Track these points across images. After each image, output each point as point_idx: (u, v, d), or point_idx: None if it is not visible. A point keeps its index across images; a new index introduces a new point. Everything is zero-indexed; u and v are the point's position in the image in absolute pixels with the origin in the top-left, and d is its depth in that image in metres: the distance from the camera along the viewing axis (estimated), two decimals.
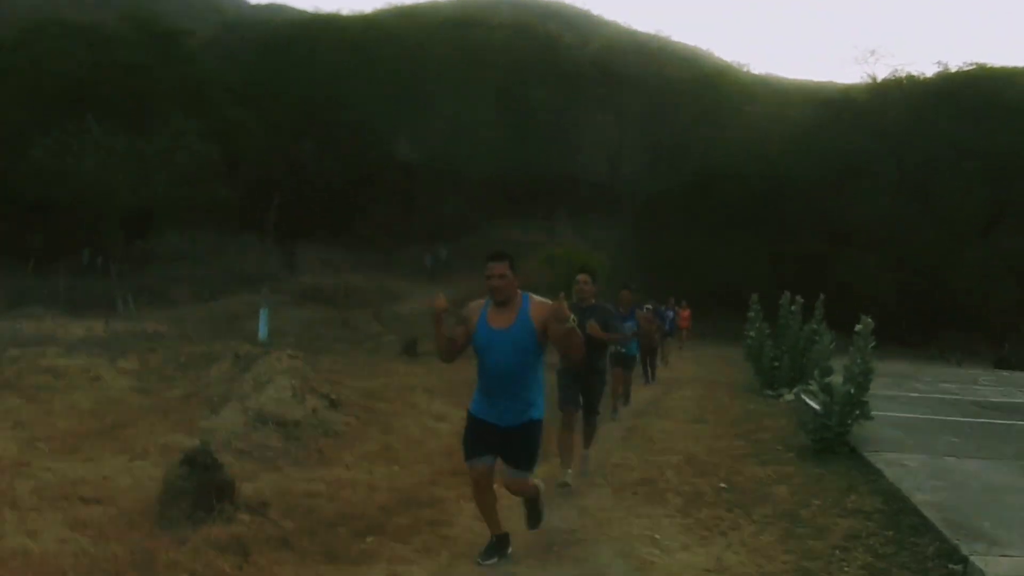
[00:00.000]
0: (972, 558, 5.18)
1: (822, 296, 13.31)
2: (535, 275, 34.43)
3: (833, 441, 8.96)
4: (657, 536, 6.15)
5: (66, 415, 8.93)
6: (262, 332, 16.52)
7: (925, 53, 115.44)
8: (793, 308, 16.06)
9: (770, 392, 15.44)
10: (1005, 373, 27.24)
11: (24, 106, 32.57)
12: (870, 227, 39.78)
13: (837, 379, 9.27)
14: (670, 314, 20.42)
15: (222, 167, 35.64)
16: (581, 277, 7.89)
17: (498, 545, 5.44)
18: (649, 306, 16.37)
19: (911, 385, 18.11)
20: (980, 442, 9.93)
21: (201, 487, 5.48)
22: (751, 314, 18.08)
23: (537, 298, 5.19)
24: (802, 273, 31.86)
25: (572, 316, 4.95)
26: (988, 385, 20.04)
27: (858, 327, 9.05)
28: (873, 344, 9.07)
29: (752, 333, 17.72)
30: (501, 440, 5.20)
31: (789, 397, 14.23)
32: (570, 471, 7.53)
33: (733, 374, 19.67)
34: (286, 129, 40.32)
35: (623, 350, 11.81)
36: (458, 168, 41.77)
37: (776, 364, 15.95)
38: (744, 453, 9.52)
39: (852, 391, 9.04)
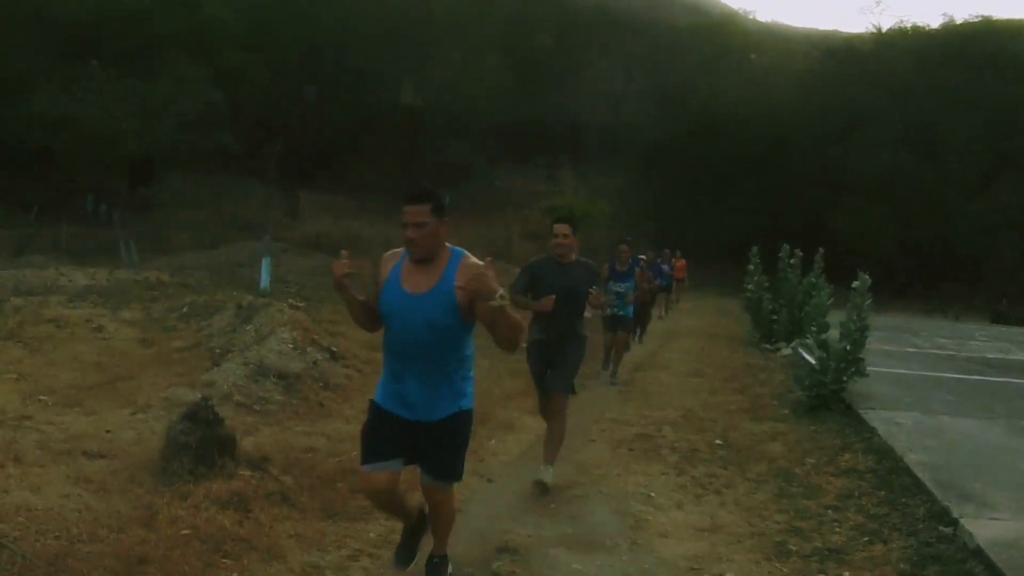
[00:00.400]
0: (962, 521, 5.22)
1: (821, 250, 13.26)
2: (537, 224, 34.52)
3: (828, 397, 9.02)
4: (652, 494, 6.25)
5: (69, 367, 8.97)
6: (264, 281, 16.52)
7: (931, 5, 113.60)
8: (792, 261, 16.05)
9: (768, 345, 15.52)
10: (1002, 328, 27.35)
11: (27, 52, 32.28)
12: (872, 179, 39.74)
13: (834, 335, 9.30)
14: (665, 267, 20.08)
15: (226, 113, 35.44)
16: (559, 228, 6.29)
17: (413, 536, 4.38)
18: (643, 258, 15.17)
19: (908, 339, 18.20)
20: (974, 400, 10.00)
21: (203, 442, 5.50)
22: (750, 267, 18.08)
23: (472, 259, 3.90)
24: (803, 225, 31.84)
25: (501, 292, 3.61)
26: (984, 340, 20.12)
27: (855, 283, 9.07)
28: (870, 300, 9.10)
29: (751, 286, 17.75)
30: (413, 438, 3.98)
31: (786, 351, 14.31)
32: (550, 468, 6.20)
33: (731, 327, 19.75)
34: (291, 75, 40.05)
35: (620, 312, 10.87)
36: (461, 114, 41.56)
37: (774, 317, 15.99)
38: (740, 408, 9.63)
39: (848, 348, 9.08)
